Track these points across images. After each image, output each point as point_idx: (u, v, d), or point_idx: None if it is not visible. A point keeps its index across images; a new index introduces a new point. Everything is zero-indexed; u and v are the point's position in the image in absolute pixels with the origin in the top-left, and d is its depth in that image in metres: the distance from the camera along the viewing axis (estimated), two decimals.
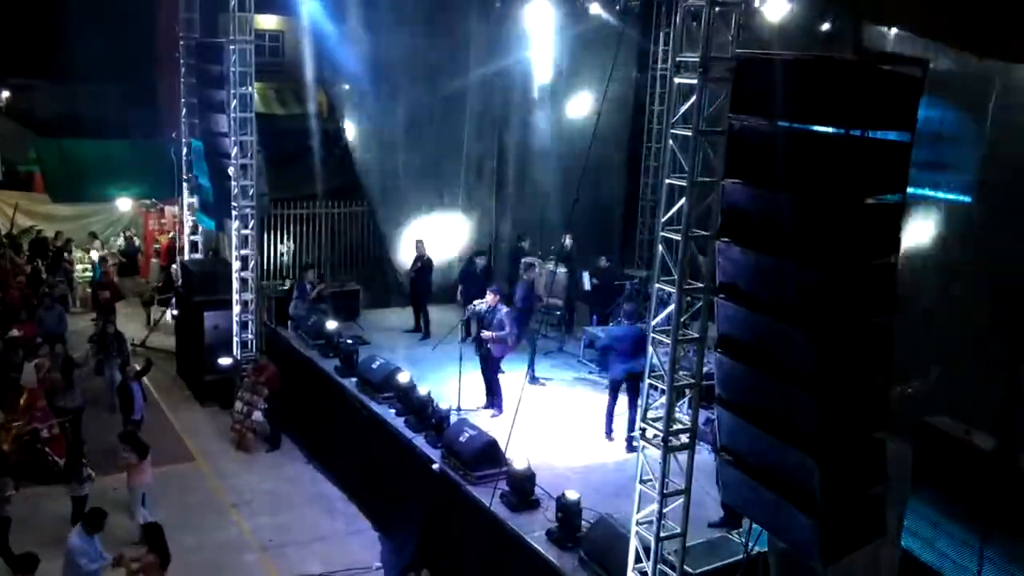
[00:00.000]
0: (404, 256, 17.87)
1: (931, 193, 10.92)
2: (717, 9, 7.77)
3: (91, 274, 21.83)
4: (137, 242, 23.23)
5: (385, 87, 18.03)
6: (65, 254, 21.58)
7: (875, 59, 6.64)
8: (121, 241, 23.11)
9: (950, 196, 10.86)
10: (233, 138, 16.05)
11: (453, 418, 12.44)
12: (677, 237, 8.11)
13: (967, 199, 10.69)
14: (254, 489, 13.98)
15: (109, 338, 16.37)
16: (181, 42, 18.42)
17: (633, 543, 8.77)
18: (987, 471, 7.33)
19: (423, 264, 16.77)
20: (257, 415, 15.33)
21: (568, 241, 17.22)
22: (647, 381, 8.62)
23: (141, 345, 18.94)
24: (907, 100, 6.71)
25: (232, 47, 15.72)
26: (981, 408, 8.16)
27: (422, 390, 13.06)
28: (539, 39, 17.93)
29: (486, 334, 13.29)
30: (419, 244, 16.94)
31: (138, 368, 15.20)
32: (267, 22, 22.16)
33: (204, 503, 13.46)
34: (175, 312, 19.46)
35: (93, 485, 12.26)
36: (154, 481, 12.85)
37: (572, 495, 10.05)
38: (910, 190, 7.00)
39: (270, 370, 15.42)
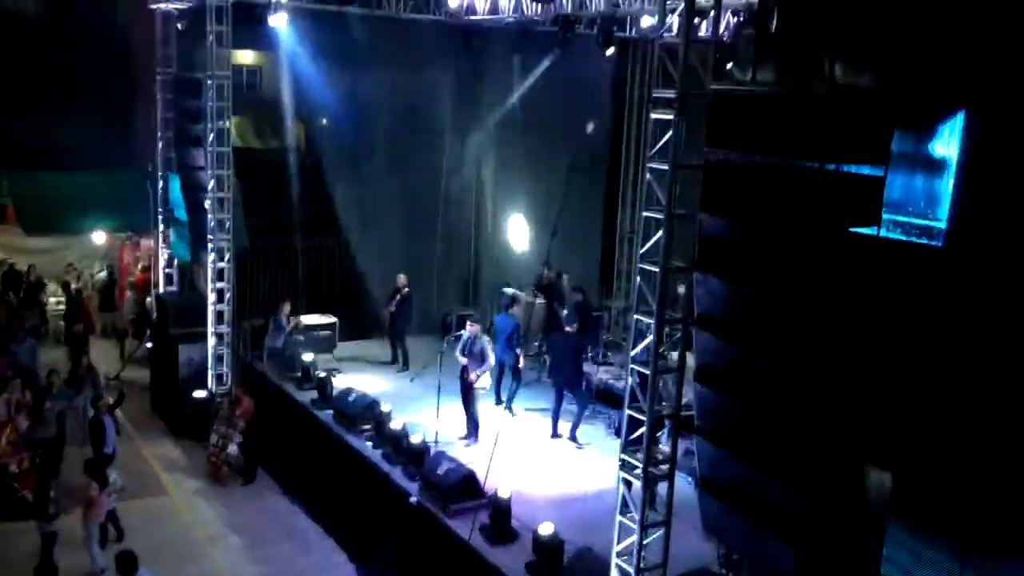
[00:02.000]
0: (381, 289, 17.87)
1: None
2: (692, 46, 7.94)
3: (64, 307, 21.60)
4: (113, 275, 23.01)
5: (363, 121, 18.13)
6: (35, 284, 21.34)
7: (847, 94, 6.79)
8: (103, 274, 22.88)
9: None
10: (210, 172, 16.05)
11: (432, 449, 12.42)
12: (655, 269, 8.21)
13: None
14: (229, 523, 13.82)
15: (82, 371, 16.19)
16: (159, 76, 18.44)
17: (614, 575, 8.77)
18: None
19: (403, 297, 16.77)
20: (232, 448, 15.19)
21: (546, 273, 17.35)
22: (626, 412, 8.66)
23: (115, 378, 18.74)
24: (879, 134, 6.87)
25: (210, 82, 15.77)
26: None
27: (398, 422, 13.02)
28: (515, 75, 18.12)
29: (472, 376, 13.46)
30: (399, 278, 16.95)
31: (111, 401, 15.04)
32: (245, 57, 22.24)
33: (178, 538, 13.28)
34: (150, 345, 19.31)
35: (61, 522, 12.06)
36: (128, 516, 12.68)
37: (547, 529, 10.02)
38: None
39: (246, 403, 15.31)
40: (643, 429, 8.48)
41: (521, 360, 14.71)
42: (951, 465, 8.05)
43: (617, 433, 11.50)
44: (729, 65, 11.54)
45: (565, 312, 15.41)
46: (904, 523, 8.25)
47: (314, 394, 14.88)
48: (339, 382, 15.09)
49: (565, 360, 14.01)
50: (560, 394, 14.01)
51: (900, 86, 7.42)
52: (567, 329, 14.07)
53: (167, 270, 19.63)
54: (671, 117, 8.05)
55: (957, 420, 8.40)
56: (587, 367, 15.17)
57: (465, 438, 13.56)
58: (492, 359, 13.70)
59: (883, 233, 7.29)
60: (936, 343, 8.87)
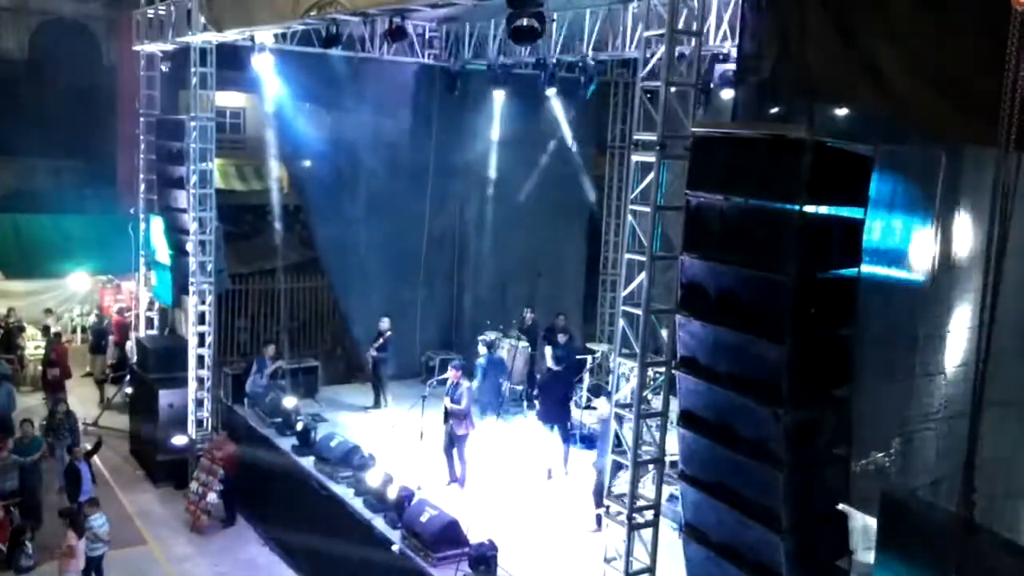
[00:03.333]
0: (364, 332, 17.74)
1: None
2: (673, 90, 7.97)
3: (43, 352, 21.35)
4: (105, 320, 22.69)
5: (346, 163, 18.10)
6: (13, 328, 21.10)
7: (827, 137, 6.80)
8: (92, 318, 22.61)
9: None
10: (192, 214, 15.97)
11: (415, 495, 12.22)
12: (638, 312, 8.16)
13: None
14: (209, 573, 13.54)
15: (59, 418, 15.93)
16: (142, 118, 18.42)
17: None
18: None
19: (385, 341, 16.64)
20: (212, 496, 14.92)
21: (529, 315, 17.25)
22: (609, 457, 8.56)
23: (94, 424, 18.48)
24: (859, 177, 6.88)
25: (193, 123, 15.74)
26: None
27: (380, 469, 12.83)
28: (496, 118, 18.19)
29: (462, 430, 13.34)
30: (383, 321, 16.83)
31: (88, 447, 14.79)
32: (228, 99, 22.28)
33: None
34: (129, 390, 19.06)
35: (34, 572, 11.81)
36: (105, 565, 12.41)
37: None
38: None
39: (228, 449, 15.10)
40: (627, 474, 8.38)
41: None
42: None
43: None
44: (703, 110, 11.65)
45: (549, 348, 15.32)
46: (888, 563, 8.13)
47: (295, 440, 14.67)
48: (321, 427, 14.90)
49: (556, 399, 14.30)
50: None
51: (880, 129, 7.44)
52: (554, 368, 14.19)
53: (148, 313, 19.45)
54: (652, 159, 8.06)
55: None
56: (572, 411, 15.06)
57: (452, 483, 13.36)
58: (466, 403, 13.55)
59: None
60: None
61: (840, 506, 7.40)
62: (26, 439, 14.50)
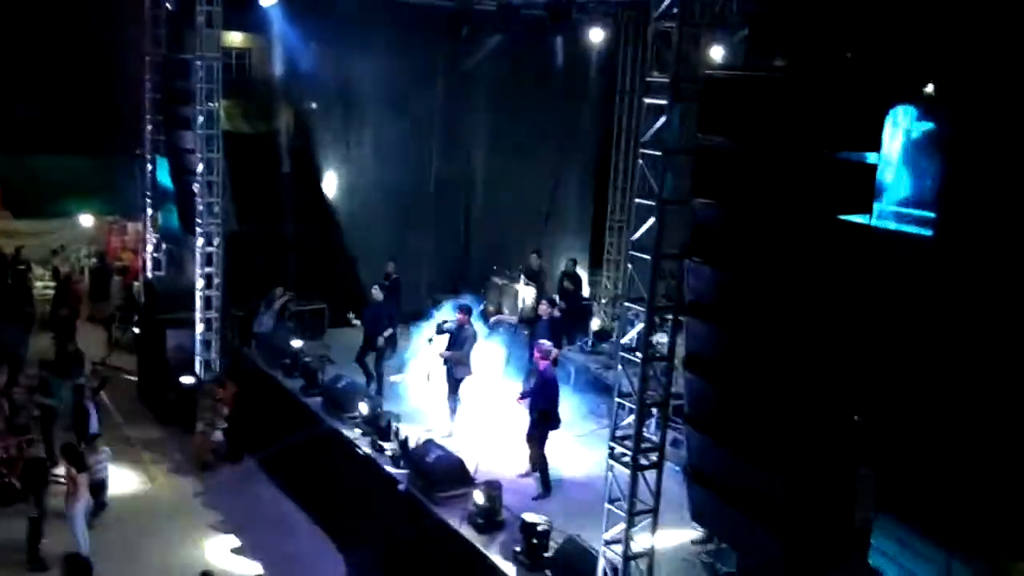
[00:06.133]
0: (371, 275, 17.73)
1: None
2: (687, 30, 7.85)
3: (51, 291, 21.42)
4: (104, 262, 22.69)
5: (353, 106, 17.98)
6: (23, 269, 21.15)
7: (841, 78, 6.72)
8: (93, 260, 22.64)
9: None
10: (199, 155, 15.90)
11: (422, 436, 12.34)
12: (646, 256, 8.14)
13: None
14: (215, 511, 13.73)
15: (67, 356, 16.04)
16: (147, 57, 18.24)
17: (601, 563, 8.73)
18: None
19: (391, 284, 16.63)
20: (217, 435, 15.10)
21: (535, 260, 17.25)
22: (616, 400, 8.61)
23: (102, 364, 18.60)
24: (873, 119, 6.80)
25: (199, 63, 15.60)
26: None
27: (387, 408, 12.94)
28: (506, 59, 17.98)
29: (448, 353, 13.23)
30: (388, 264, 16.82)
31: (94, 385, 14.92)
32: (235, 39, 21.99)
33: (163, 525, 13.17)
34: (137, 330, 19.16)
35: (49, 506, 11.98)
36: (112, 503, 12.58)
37: (534, 518, 9.96)
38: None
39: (228, 389, 15.24)
40: (631, 417, 8.43)
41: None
42: (940, 457, 8.02)
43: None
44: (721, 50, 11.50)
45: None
46: (891, 513, 8.23)
47: (302, 381, 14.76)
48: (328, 369, 14.98)
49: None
50: None
51: (894, 70, 7.35)
52: (550, 312, 14.03)
53: (155, 254, 19.47)
54: (664, 102, 7.97)
55: (946, 412, 8.38)
56: (575, 354, 15.12)
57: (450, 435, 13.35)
58: (467, 347, 13.32)
59: (875, 222, 7.21)
60: (926, 335, 8.86)
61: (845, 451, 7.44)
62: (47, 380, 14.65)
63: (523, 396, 12.28)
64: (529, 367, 13.87)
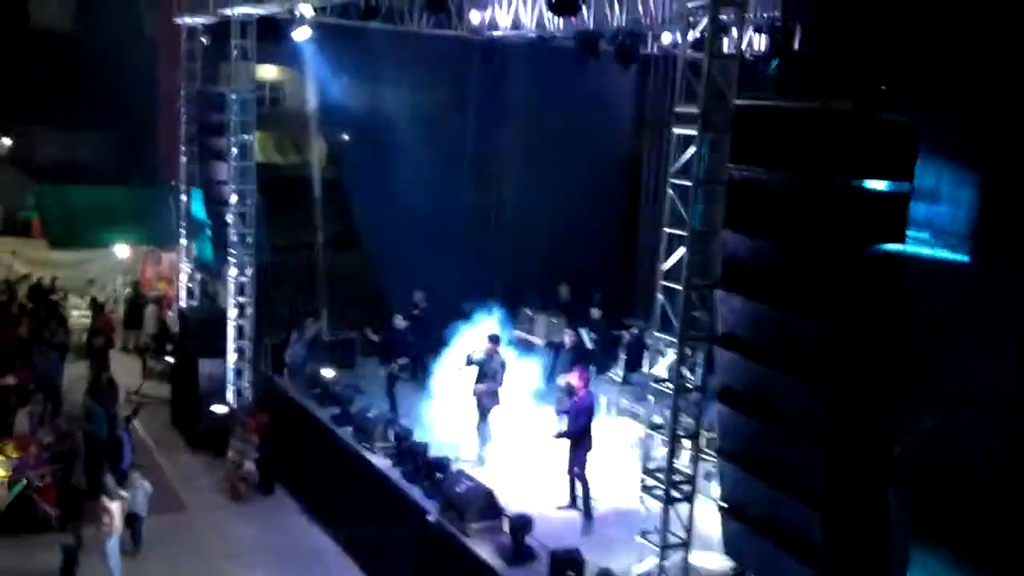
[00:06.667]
0: (403, 305, 17.78)
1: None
2: (716, 62, 7.87)
3: (87, 321, 21.69)
4: (138, 292, 22.90)
5: (385, 137, 18.12)
6: (58, 299, 21.45)
7: (872, 110, 6.69)
8: (128, 289, 22.91)
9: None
10: (232, 186, 16.10)
11: (452, 466, 12.30)
12: (677, 287, 8.11)
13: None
14: (246, 541, 13.76)
15: (103, 386, 16.21)
16: (183, 91, 18.55)
17: None
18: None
19: (419, 314, 16.65)
20: (249, 464, 15.15)
21: (565, 291, 17.21)
22: (647, 432, 8.55)
23: (136, 393, 18.78)
24: (904, 150, 6.76)
25: (234, 96, 15.84)
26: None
27: (418, 439, 12.93)
28: (535, 90, 18.08)
29: (478, 387, 13.24)
30: (417, 293, 16.85)
31: (127, 414, 15.06)
32: (268, 72, 22.35)
33: (195, 554, 13.21)
34: (171, 360, 19.33)
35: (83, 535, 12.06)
36: (144, 531, 12.63)
37: (566, 549, 9.87)
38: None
39: (260, 418, 15.30)
40: (664, 450, 8.37)
41: None
42: (980, 489, 7.86)
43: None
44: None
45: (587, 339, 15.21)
46: (927, 547, 8.06)
47: (334, 410, 14.80)
48: (359, 399, 14.99)
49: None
50: None
51: (925, 102, 7.30)
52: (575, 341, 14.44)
53: (188, 284, 19.69)
54: (694, 133, 7.97)
55: (985, 441, 8.22)
56: (607, 388, 15.05)
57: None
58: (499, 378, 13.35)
59: (910, 248, 7.12)
60: (964, 361, 8.72)
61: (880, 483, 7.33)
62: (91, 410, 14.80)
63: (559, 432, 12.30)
64: (559, 395, 13.82)
